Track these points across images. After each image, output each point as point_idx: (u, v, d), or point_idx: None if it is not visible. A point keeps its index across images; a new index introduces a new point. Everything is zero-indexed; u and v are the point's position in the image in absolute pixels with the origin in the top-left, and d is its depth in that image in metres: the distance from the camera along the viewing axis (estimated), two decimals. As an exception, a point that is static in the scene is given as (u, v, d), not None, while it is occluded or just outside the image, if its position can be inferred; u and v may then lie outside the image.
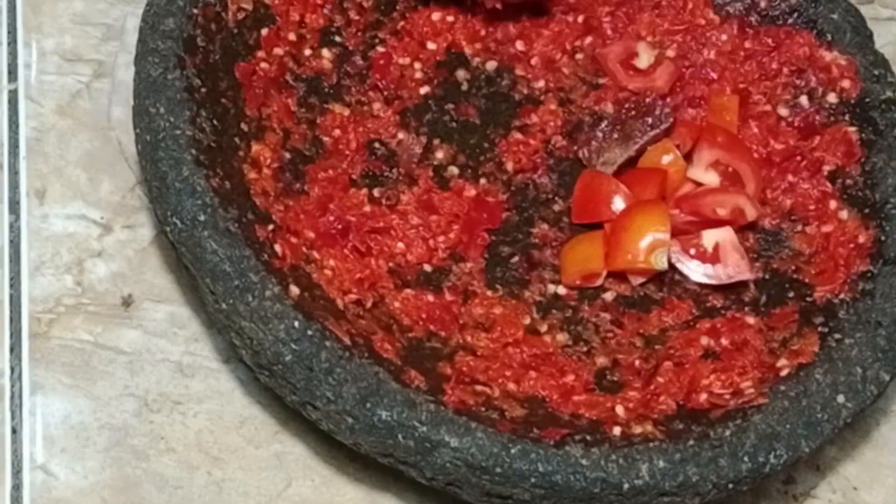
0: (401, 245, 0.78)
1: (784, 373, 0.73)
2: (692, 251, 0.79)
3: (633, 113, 0.82)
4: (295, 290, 0.71)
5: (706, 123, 0.83)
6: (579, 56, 0.85)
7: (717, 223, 0.80)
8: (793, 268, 0.80)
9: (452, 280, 0.78)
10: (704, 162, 0.82)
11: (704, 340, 0.77)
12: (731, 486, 0.69)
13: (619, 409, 0.73)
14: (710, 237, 0.79)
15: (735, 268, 0.79)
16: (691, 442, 0.69)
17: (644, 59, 0.85)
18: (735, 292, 0.79)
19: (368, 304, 0.75)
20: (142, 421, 0.74)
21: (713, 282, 0.79)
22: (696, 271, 0.79)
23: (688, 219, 0.80)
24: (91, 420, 0.74)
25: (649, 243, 0.78)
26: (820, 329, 0.76)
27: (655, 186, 0.80)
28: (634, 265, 0.78)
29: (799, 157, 0.82)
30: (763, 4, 0.85)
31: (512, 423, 0.70)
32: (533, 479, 0.67)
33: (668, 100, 0.84)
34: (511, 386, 0.73)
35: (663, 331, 0.78)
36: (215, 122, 0.74)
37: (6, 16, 0.85)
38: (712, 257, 0.79)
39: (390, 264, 0.77)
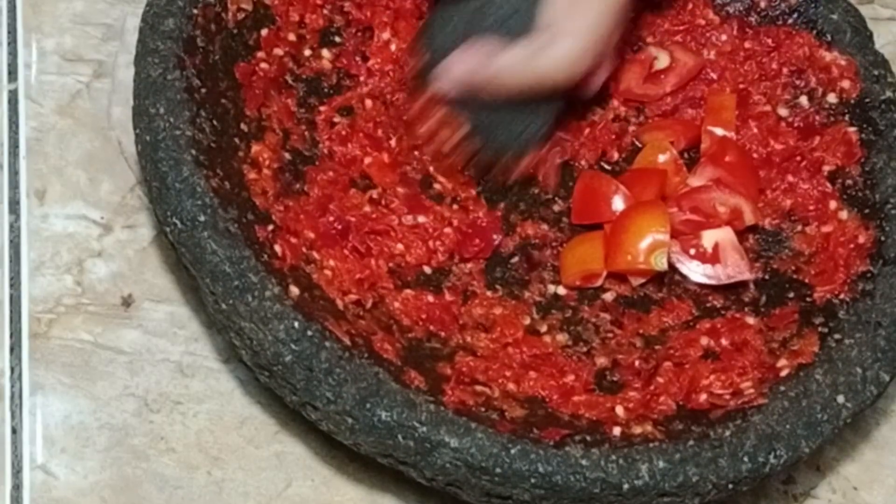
0: (400, 246, 0.78)
1: (784, 373, 0.74)
2: (692, 251, 0.79)
3: None
4: (295, 290, 0.71)
5: (722, 138, 0.82)
6: None
7: (717, 222, 0.80)
8: (793, 268, 0.80)
9: (452, 280, 0.78)
10: (707, 177, 0.81)
11: (704, 341, 0.77)
12: (731, 486, 0.69)
13: (619, 410, 0.73)
14: (709, 237, 0.79)
15: (734, 268, 0.79)
16: (691, 442, 0.69)
17: (662, 61, 0.85)
18: (735, 292, 0.79)
19: (368, 305, 0.75)
20: (142, 421, 0.74)
21: (713, 282, 0.79)
22: (696, 271, 0.79)
23: (687, 217, 0.80)
24: (91, 420, 0.74)
25: (649, 244, 0.78)
26: (820, 329, 0.76)
27: (655, 186, 0.80)
28: (634, 266, 0.78)
29: (799, 158, 0.82)
30: (763, 4, 0.85)
31: (512, 423, 0.70)
32: (533, 480, 0.67)
33: (669, 99, 0.84)
34: (511, 386, 0.73)
35: (663, 331, 0.78)
36: (215, 122, 0.74)
37: (6, 16, 0.85)
38: (712, 257, 0.79)
39: (390, 265, 0.77)
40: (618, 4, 0.76)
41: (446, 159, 0.80)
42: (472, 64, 0.77)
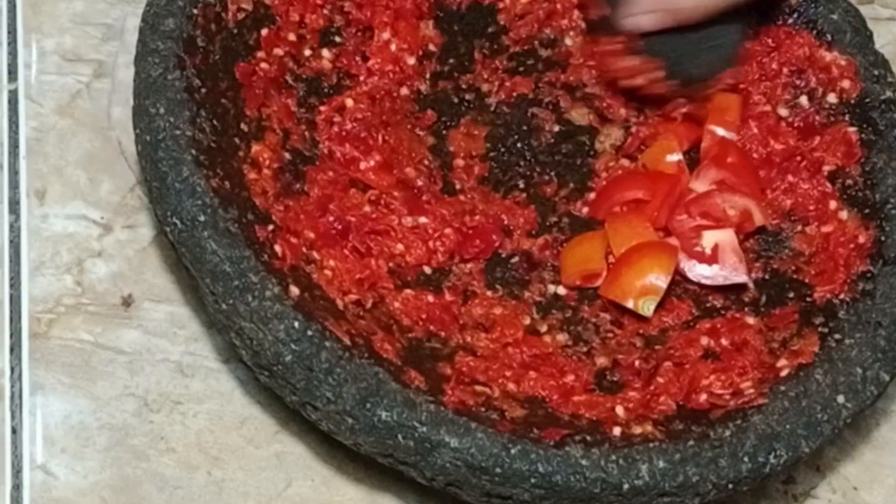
0: (400, 246, 0.78)
1: (784, 373, 0.74)
2: (692, 250, 0.79)
3: None
4: (295, 290, 0.71)
5: (722, 139, 0.82)
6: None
7: (727, 225, 0.79)
8: (793, 268, 0.80)
9: (452, 280, 0.78)
10: (710, 179, 0.81)
11: (704, 341, 0.77)
12: (730, 486, 0.69)
13: (619, 410, 0.73)
14: (710, 238, 0.79)
15: (732, 270, 0.79)
16: (691, 442, 0.69)
17: None
18: (735, 292, 0.79)
19: (368, 305, 0.75)
20: (142, 421, 0.74)
21: (708, 282, 0.79)
22: (694, 270, 0.79)
23: (697, 223, 0.79)
24: (91, 420, 0.74)
25: (642, 286, 0.77)
26: (820, 329, 0.76)
27: (666, 190, 0.80)
28: (623, 302, 0.78)
29: (799, 158, 0.82)
30: (763, 5, 0.85)
31: (512, 423, 0.70)
32: (533, 480, 0.67)
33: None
34: (511, 386, 0.73)
35: (663, 331, 0.78)
36: (215, 122, 0.74)
37: (6, 16, 0.85)
38: (710, 258, 0.79)
39: (390, 265, 0.77)
40: None
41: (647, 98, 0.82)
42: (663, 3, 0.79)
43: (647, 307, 0.77)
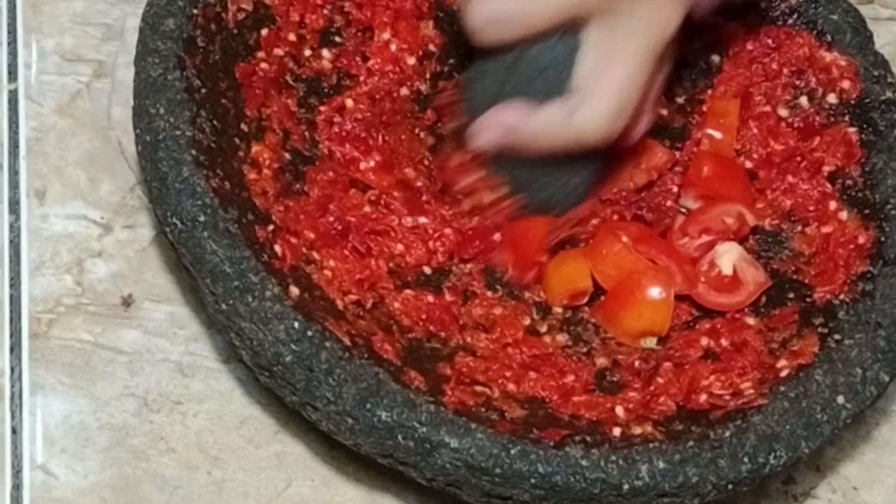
0: (400, 246, 0.78)
1: (784, 373, 0.74)
2: (715, 283, 0.78)
3: None
4: (295, 290, 0.71)
5: (696, 153, 0.82)
6: None
7: (728, 234, 0.79)
8: (792, 269, 0.80)
9: (452, 280, 0.78)
10: (692, 196, 0.81)
11: (704, 341, 0.77)
12: (730, 486, 0.70)
13: (619, 410, 0.73)
14: (726, 262, 0.78)
15: (755, 282, 0.78)
16: (691, 443, 0.69)
17: None
18: (735, 293, 0.79)
19: (368, 305, 0.75)
20: (142, 421, 0.74)
21: (744, 305, 0.78)
22: (726, 303, 0.78)
23: (700, 241, 0.79)
24: (91, 420, 0.74)
25: (643, 330, 0.77)
26: (820, 330, 0.76)
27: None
28: (623, 341, 0.77)
29: (799, 158, 0.82)
30: (763, 5, 0.85)
31: (512, 423, 0.70)
32: (533, 480, 0.67)
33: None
34: (511, 386, 0.73)
35: (663, 331, 0.78)
36: (215, 122, 0.74)
37: (6, 16, 0.85)
38: (734, 282, 0.78)
39: (390, 265, 0.77)
40: (652, 58, 0.74)
41: (486, 215, 0.80)
42: (505, 125, 0.76)
43: (650, 343, 0.77)
